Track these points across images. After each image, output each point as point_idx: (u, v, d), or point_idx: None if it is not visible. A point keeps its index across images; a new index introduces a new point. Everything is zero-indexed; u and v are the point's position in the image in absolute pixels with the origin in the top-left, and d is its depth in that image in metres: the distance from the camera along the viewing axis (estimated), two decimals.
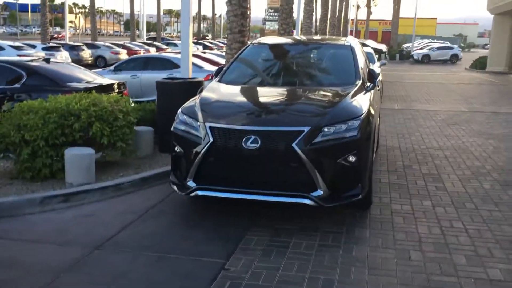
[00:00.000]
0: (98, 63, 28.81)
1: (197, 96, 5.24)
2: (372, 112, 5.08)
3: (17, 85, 7.99)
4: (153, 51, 31.77)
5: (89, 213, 4.99)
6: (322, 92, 5.31)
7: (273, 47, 6.61)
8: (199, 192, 4.57)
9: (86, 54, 28.11)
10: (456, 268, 3.86)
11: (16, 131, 5.63)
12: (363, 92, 5.32)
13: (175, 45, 38.27)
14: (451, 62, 41.27)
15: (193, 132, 4.67)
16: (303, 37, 6.81)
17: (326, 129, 4.43)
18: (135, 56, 16.70)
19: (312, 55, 6.40)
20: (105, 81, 8.88)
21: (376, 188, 5.80)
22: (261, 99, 5.30)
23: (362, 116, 4.65)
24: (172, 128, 4.93)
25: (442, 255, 4.08)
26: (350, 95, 5.03)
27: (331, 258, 4.01)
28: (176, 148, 4.83)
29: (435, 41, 55.39)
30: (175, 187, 4.81)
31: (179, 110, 5.03)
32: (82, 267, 3.85)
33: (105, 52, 29.38)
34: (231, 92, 5.47)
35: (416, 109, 13.10)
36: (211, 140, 4.46)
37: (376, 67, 14.31)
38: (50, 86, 7.92)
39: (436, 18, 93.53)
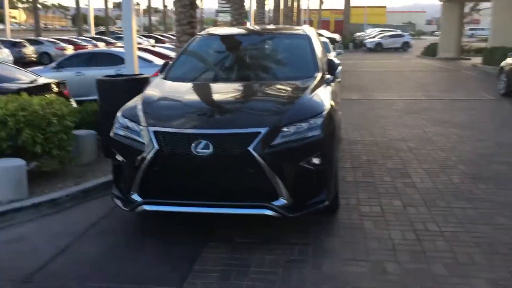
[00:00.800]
0: (43, 60, 27.28)
1: (139, 96, 4.63)
2: (335, 106, 4.63)
3: None
4: (102, 46, 30.46)
5: (18, 237, 4.31)
6: (279, 87, 4.80)
7: (224, 38, 6.03)
8: (146, 207, 3.99)
9: (29, 50, 26.54)
10: (436, 280, 3.46)
11: None
12: (324, 85, 4.86)
13: None
14: (403, 49, 41.81)
15: (136, 138, 4.07)
16: (256, 27, 6.28)
17: (285, 129, 3.93)
18: (79, 51, 15.68)
19: (266, 46, 5.87)
20: (42, 80, 8.07)
21: (342, 188, 5.37)
22: (212, 98, 4.72)
23: (324, 112, 4.18)
24: (111, 134, 4.31)
25: (420, 266, 3.67)
26: (310, 89, 4.55)
27: (299, 277, 3.53)
28: (117, 157, 4.22)
29: (386, 29, 56.13)
30: (118, 202, 4.20)
31: (119, 113, 4.41)
32: None
33: (49, 48, 27.86)
34: (178, 90, 4.88)
35: (374, 99, 12.87)
36: (156, 147, 3.88)
37: (333, 57, 14.00)
38: None
39: (385, 7, 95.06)
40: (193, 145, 3.81)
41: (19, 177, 4.91)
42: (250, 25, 20.69)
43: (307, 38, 5.61)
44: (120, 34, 45.85)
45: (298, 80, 4.90)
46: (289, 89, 4.70)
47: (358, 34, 52.86)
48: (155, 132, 3.94)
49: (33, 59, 26.28)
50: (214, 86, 4.97)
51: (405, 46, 42.23)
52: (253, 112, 4.23)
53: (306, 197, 4.03)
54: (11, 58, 24.29)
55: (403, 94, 13.76)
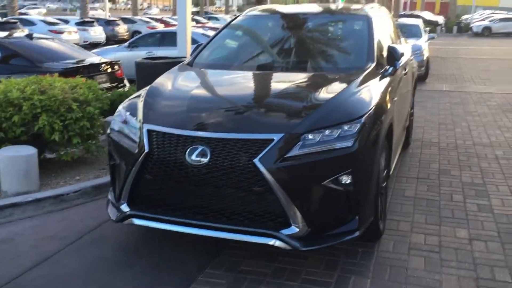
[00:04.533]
0: None
1: (148, 86, 3.96)
2: (387, 107, 3.65)
3: None
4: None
5: (8, 238, 3.87)
6: (314, 81, 3.87)
7: (270, 18, 5.12)
8: (135, 221, 3.34)
9: (122, 29, 27.35)
10: None
11: None
12: (377, 79, 3.87)
13: (217, 19, 36.98)
14: None
15: (130, 135, 3.41)
16: (314, 6, 5.29)
17: (309, 137, 3.05)
18: (152, 31, 15.61)
19: (314, 30, 4.86)
20: (93, 60, 7.76)
21: (396, 206, 4.38)
22: (228, 91, 3.87)
23: (364, 116, 3.23)
24: (108, 130, 3.69)
25: None
26: (354, 84, 3.60)
27: None
28: (113, 157, 3.60)
29: (497, 12, 51.11)
30: (110, 209, 3.58)
31: (121, 105, 3.78)
32: None
33: (141, 27, 28.45)
34: (195, 81, 4.12)
35: (468, 91, 11.25)
36: (147, 149, 3.19)
37: (422, 42, 12.52)
38: (25, 67, 6.90)
39: None
40: (187, 151, 3.07)
41: (27, 167, 4.50)
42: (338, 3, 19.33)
43: (365, 20, 4.56)
44: (212, 14, 46.25)
45: (344, 72, 3.96)
46: (326, 83, 3.77)
47: (465, 16, 48.61)
48: (149, 131, 3.25)
49: (125, 37, 26.98)
50: (238, 77, 4.11)
51: None
52: (269, 113, 3.37)
53: (328, 226, 3.14)
54: (103, 36, 25.17)
55: (503, 87, 11.91)
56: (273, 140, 2.99)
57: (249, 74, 4.12)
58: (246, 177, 2.99)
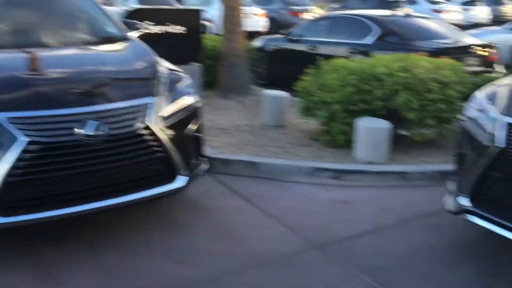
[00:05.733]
0: None
1: None
2: None
3: (369, 41, 7.56)
4: None
5: (349, 200, 4.18)
6: None
7: None
8: (473, 219, 3.07)
9: (506, 9, 24.97)
10: None
11: (318, 91, 5.25)
12: None
13: None
14: None
15: (484, 126, 3.10)
16: None
17: None
18: None
19: None
20: (467, 41, 7.37)
21: None
22: None
23: None
24: (462, 116, 3.45)
25: None
26: None
27: None
28: (462, 145, 3.37)
29: None
30: (447, 198, 3.40)
31: (479, 91, 3.46)
32: (279, 265, 3.19)
33: None
34: None
35: None
36: (502, 144, 2.84)
37: None
38: (398, 44, 7.17)
39: None
40: None
41: (379, 140, 4.71)
42: None
43: None
44: None
45: None
46: None
47: None
48: (509, 125, 2.88)
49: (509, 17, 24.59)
50: None
51: None
52: None
53: None
54: (488, 16, 23.63)
55: None
56: None
57: None
58: None
